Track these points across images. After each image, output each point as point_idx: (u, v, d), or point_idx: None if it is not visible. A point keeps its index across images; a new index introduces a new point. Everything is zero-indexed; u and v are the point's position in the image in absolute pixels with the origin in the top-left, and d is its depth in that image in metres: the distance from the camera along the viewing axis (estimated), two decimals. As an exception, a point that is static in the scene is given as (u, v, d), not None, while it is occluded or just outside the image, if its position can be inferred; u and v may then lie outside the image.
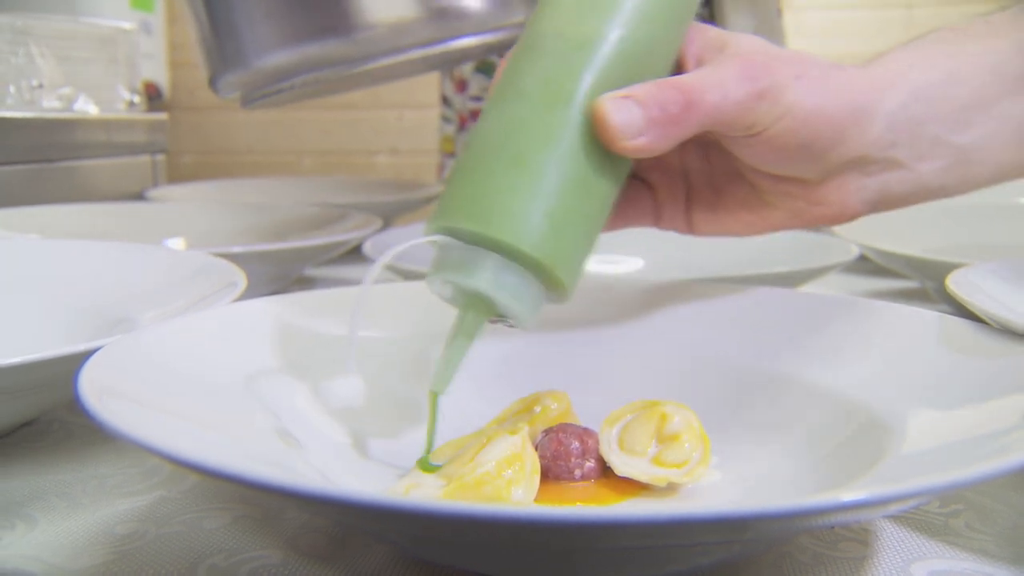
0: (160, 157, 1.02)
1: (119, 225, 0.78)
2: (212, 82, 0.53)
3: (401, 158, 2.88)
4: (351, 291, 0.44)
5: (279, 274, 0.67)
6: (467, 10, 0.48)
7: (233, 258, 0.53)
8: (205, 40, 0.51)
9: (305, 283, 0.77)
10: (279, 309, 0.41)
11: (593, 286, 0.47)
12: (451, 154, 1.17)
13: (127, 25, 1.00)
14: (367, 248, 0.63)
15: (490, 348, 0.42)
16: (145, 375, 0.33)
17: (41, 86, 0.84)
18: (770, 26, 1.06)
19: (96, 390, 0.29)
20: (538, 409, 0.37)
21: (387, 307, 0.43)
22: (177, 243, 0.78)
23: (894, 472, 0.29)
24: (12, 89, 0.82)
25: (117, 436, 0.27)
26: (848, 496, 0.21)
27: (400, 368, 0.40)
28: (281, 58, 0.49)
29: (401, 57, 0.50)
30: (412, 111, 2.86)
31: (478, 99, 1.10)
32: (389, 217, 0.93)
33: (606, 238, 0.69)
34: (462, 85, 1.11)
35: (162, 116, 1.06)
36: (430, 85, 2.80)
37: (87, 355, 0.36)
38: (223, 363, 0.36)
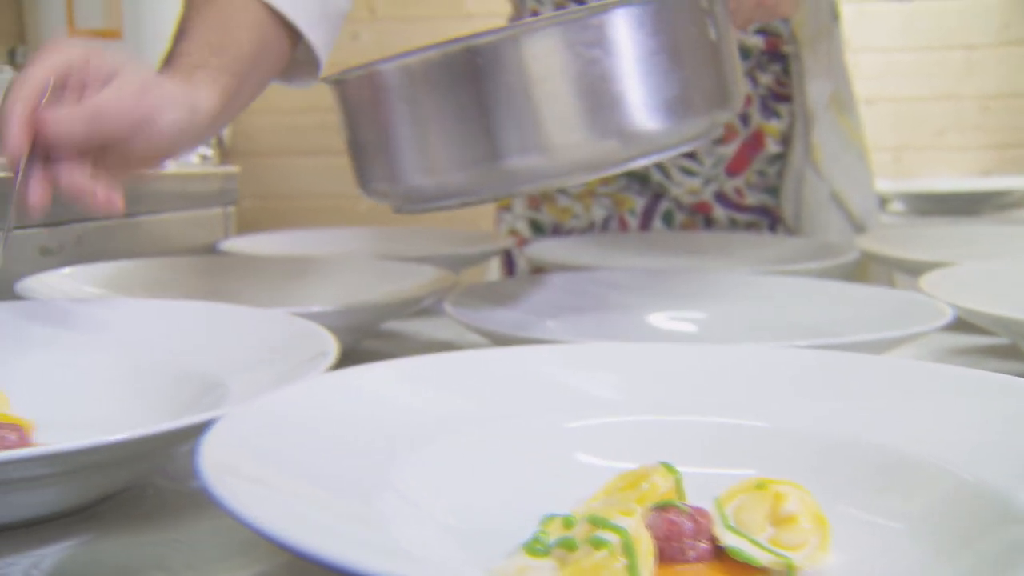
0: (231, 208, 1.04)
1: (197, 279, 0.79)
2: (363, 186, 0.54)
3: (455, 202, 2.90)
4: (458, 356, 0.43)
5: (357, 328, 0.67)
6: (642, 131, 0.47)
7: (315, 317, 0.54)
8: (364, 151, 0.52)
9: (382, 337, 0.77)
10: (388, 375, 0.41)
11: (687, 352, 0.46)
12: (507, 208, 1.17)
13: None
14: (448, 308, 0.62)
15: (588, 418, 0.41)
16: (261, 450, 0.32)
17: (122, 141, 0.85)
18: (847, 89, 1.05)
19: (216, 468, 0.29)
20: (646, 486, 0.36)
21: (486, 375, 0.42)
22: (254, 298, 0.79)
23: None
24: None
25: (239, 519, 0.27)
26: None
27: (502, 440, 0.40)
28: (449, 181, 0.49)
29: (569, 180, 0.50)
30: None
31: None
32: (457, 269, 0.93)
33: (683, 294, 0.68)
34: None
35: (233, 169, 1.07)
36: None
37: (193, 429, 0.36)
38: (335, 434, 0.36)
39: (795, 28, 0.99)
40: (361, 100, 0.51)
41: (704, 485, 0.37)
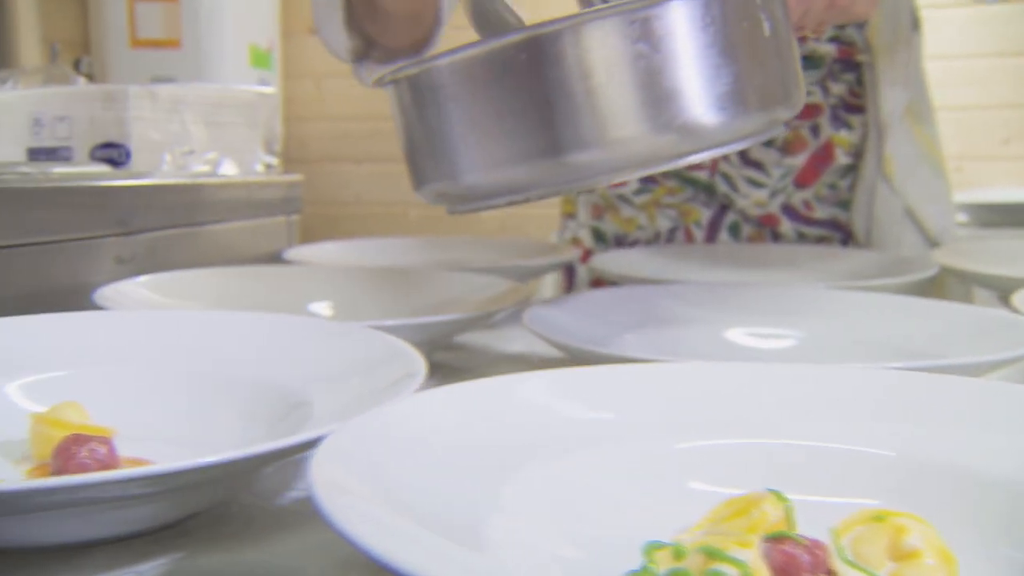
0: (295, 217, 1.04)
1: (267, 289, 0.79)
2: (418, 187, 0.53)
3: (507, 211, 2.90)
4: (564, 374, 0.42)
5: (431, 341, 0.66)
6: (698, 126, 0.46)
7: (393, 330, 0.53)
8: (420, 150, 0.51)
9: (452, 349, 0.77)
10: (496, 392, 0.40)
11: (791, 372, 0.44)
12: (571, 215, 1.16)
13: (267, 90, 1.03)
14: (527, 321, 0.62)
15: (695, 440, 0.39)
16: (370, 469, 0.32)
17: (192, 152, 0.86)
18: (924, 99, 1.03)
19: (328, 488, 0.28)
20: (756, 514, 0.35)
21: (593, 393, 0.41)
22: (323, 308, 0.78)
23: None
24: (167, 156, 0.84)
25: (351, 540, 0.26)
26: None
27: (611, 460, 0.38)
28: (505, 177, 0.48)
29: (626, 175, 0.49)
30: (518, 163, 2.86)
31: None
32: (523, 279, 0.92)
33: (758, 309, 0.66)
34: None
35: (297, 177, 1.08)
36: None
37: (295, 448, 0.35)
38: (443, 453, 0.35)
39: (870, 36, 0.97)
40: (416, 98, 0.50)
41: (814, 514, 0.35)
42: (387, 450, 0.34)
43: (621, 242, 1.09)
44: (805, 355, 0.65)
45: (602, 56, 0.45)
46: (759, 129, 0.49)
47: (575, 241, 1.13)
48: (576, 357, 0.60)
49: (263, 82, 2.62)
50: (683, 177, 1.04)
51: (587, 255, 1.09)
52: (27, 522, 0.36)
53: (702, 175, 1.03)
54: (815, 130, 1.01)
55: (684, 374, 0.43)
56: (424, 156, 0.51)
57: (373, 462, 0.33)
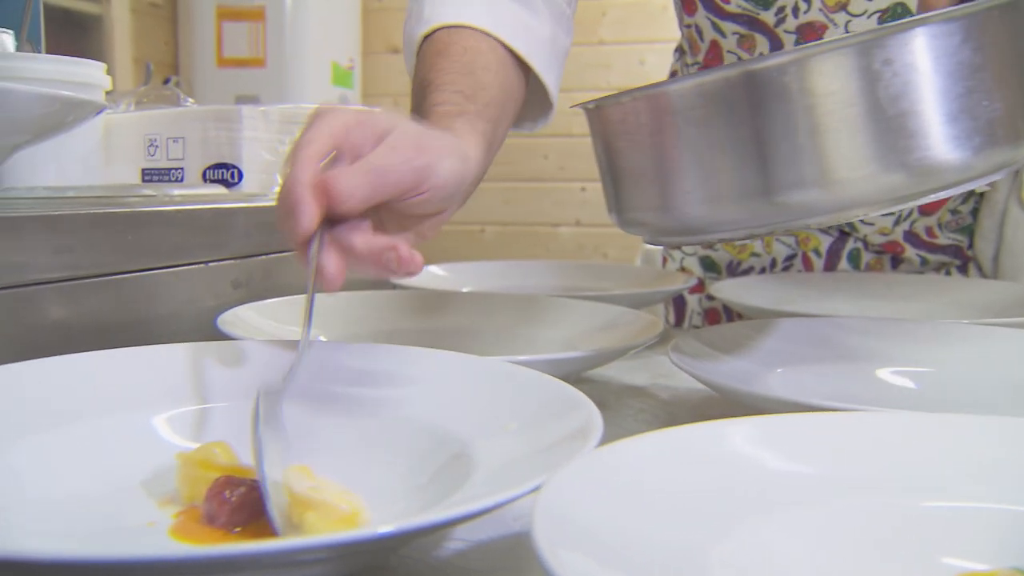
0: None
1: (389, 315, 0.77)
2: (619, 215, 0.50)
3: (584, 230, 2.86)
4: (789, 420, 0.39)
5: (565, 375, 0.63)
6: (938, 165, 0.42)
7: (531, 365, 0.50)
8: (625, 178, 0.48)
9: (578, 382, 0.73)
10: (712, 437, 0.37)
11: (1008, 428, 0.40)
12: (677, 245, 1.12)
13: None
14: (673, 357, 0.58)
15: (919, 500, 0.35)
16: (586, 522, 0.29)
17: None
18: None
19: (553, 545, 0.25)
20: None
21: (819, 440, 0.37)
22: (449, 337, 0.76)
23: None
24: (278, 177, 0.82)
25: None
26: None
27: (842, 516, 0.35)
28: (718, 214, 0.45)
29: (843, 217, 0.46)
30: (596, 183, 2.83)
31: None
32: (638, 307, 0.89)
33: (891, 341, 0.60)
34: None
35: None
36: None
37: (491, 508, 0.32)
38: (662, 501, 0.32)
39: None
40: (626, 126, 0.47)
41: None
42: (602, 500, 0.31)
43: (733, 271, 1.05)
44: (1005, 403, 0.60)
45: (833, 90, 0.42)
46: (999, 166, 0.45)
47: (683, 271, 1.09)
48: (727, 395, 0.57)
49: (344, 100, 2.64)
50: (802, 202, 1.00)
51: (700, 285, 1.06)
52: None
53: (824, 201, 0.99)
54: (945, 154, 0.96)
55: (897, 425, 0.39)
56: (629, 186, 0.48)
57: (589, 512, 0.30)
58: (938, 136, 0.42)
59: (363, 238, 0.47)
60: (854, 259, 0.99)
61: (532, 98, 0.72)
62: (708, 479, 0.34)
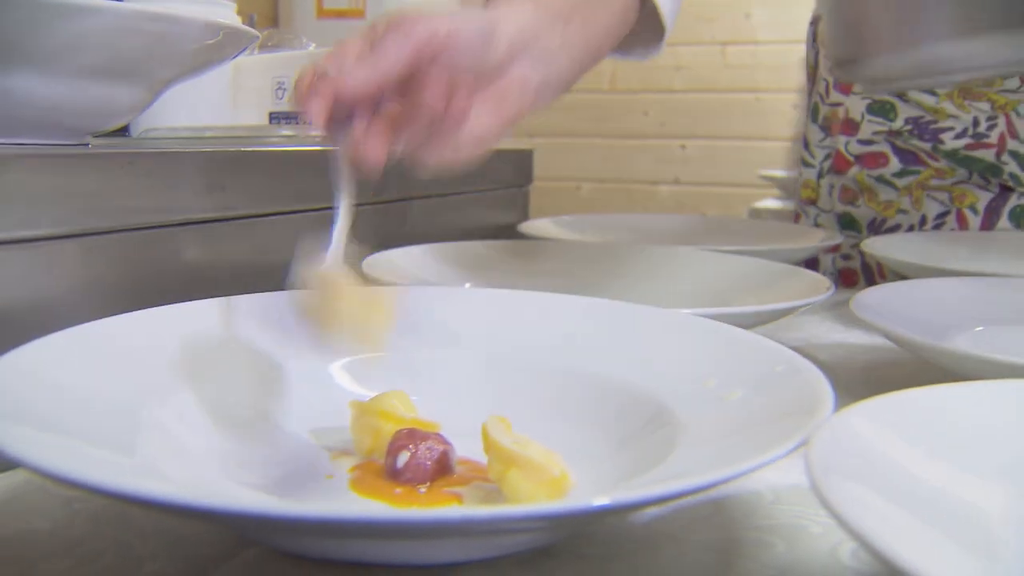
0: (526, 188, 0.98)
1: (519, 264, 0.74)
2: (844, 62, 0.46)
3: (684, 188, 2.79)
4: None
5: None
6: None
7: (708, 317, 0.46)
8: (859, 21, 0.44)
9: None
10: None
11: None
12: (812, 201, 1.06)
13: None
14: (855, 309, 0.53)
15: None
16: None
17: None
18: None
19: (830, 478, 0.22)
20: None
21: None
22: (589, 287, 0.72)
23: None
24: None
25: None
26: None
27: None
28: (964, 50, 0.40)
29: None
30: (696, 140, 2.75)
31: (867, 143, 0.97)
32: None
33: None
34: (850, 126, 0.99)
35: (529, 146, 1.02)
36: (716, 115, 2.69)
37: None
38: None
39: None
40: None
41: None
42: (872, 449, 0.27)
43: (876, 229, 0.99)
44: None
45: None
46: None
47: (818, 227, 1.03)
48: (915, 352, 0.52)
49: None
50: (959, 158, 0.92)
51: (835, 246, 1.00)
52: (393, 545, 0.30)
53: (986, 155, 0.91)
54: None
55: None
56: (861, 27, 0.43)
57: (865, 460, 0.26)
58: None
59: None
60: (1016, 217, 0.92)
61: (645, 23, 0.67)
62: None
